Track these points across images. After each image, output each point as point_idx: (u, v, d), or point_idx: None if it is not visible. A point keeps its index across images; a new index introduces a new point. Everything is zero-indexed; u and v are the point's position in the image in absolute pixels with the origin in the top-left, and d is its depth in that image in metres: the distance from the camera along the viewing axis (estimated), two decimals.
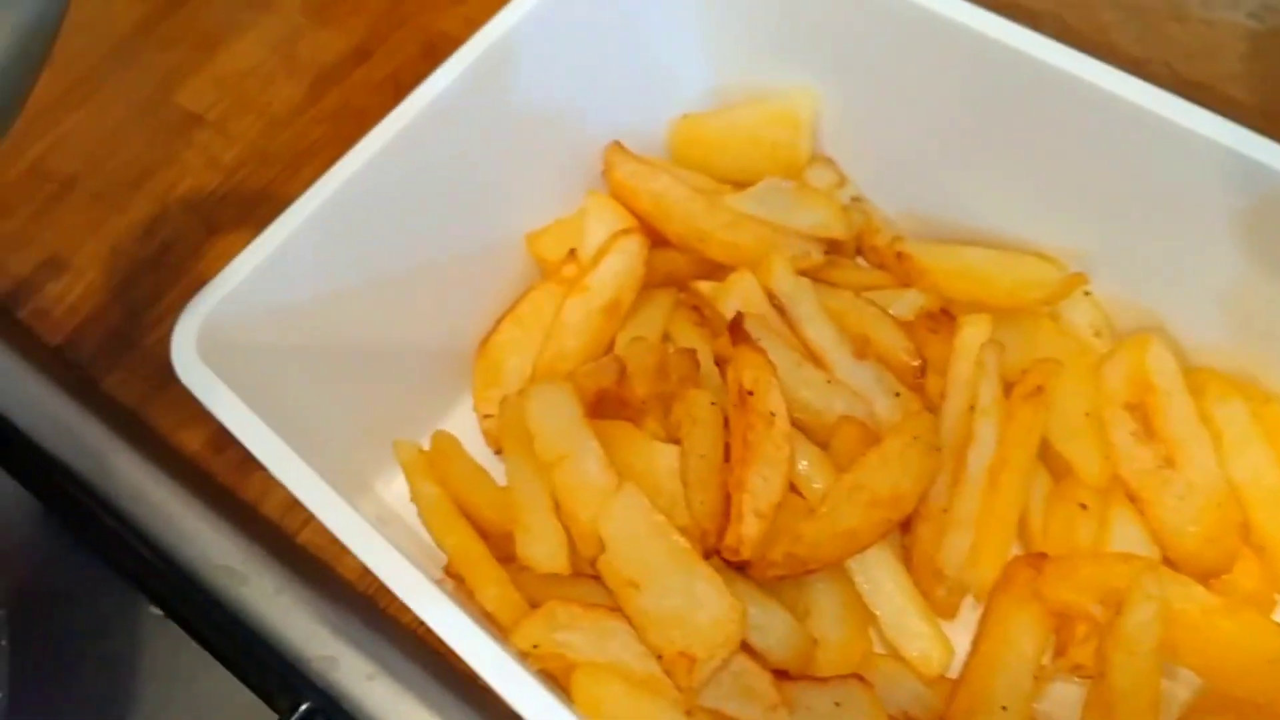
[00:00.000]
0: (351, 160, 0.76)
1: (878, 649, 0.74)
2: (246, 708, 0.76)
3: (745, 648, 0.70)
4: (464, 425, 0.85)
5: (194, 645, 0.79)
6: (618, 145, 0.87)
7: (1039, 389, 0.73)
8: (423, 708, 0.75)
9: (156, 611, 0.82)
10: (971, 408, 0.75)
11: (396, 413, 0.83)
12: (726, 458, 0.73)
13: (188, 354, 0.69)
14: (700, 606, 0.67)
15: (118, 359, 0.95)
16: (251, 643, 0.78)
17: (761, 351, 0.74)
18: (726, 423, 0.75)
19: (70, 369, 0.95)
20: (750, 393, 0.74)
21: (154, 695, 0.79)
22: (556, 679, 0.69)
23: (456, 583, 0.73)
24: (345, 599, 0.80)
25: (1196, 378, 0.75)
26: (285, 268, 0.74)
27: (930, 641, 0.71)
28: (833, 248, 0.86)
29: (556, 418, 0.73)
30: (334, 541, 0.64)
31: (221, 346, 0.71)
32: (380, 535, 0.64)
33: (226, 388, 0.68)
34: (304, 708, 0.75)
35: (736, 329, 0.76)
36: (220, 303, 0.72)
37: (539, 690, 0.59)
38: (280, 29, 1.15)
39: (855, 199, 0.90)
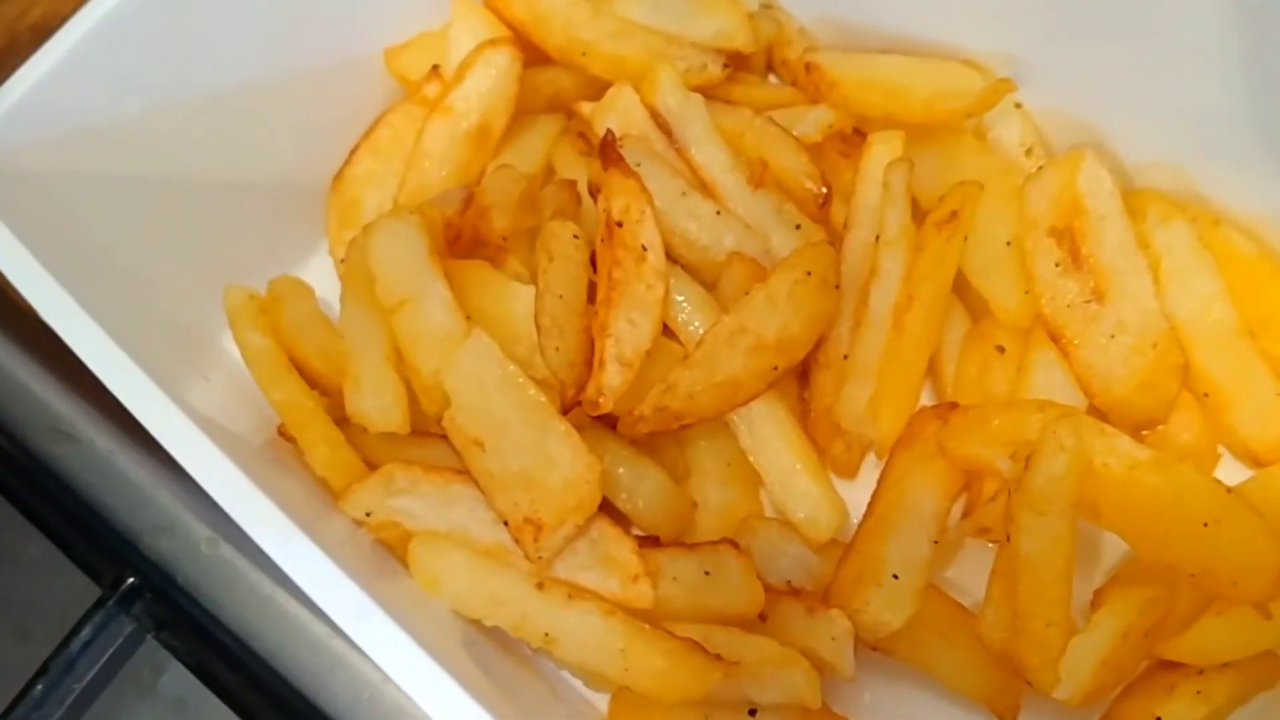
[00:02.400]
0: None
1: (770, 513, 0.66)
2: (71, 583, 0.69)
3: (611, 512, 0.63)
4: (327, 273, 0.76)
5: (15, 514, 0.71)
6: None
7: (953, 215, 0.63)
8: (268, 580, 0.68)
9: None
10: (877, 238, 0.65)
11: (248, 258, 0.74)
12: (592, 300, 0.64)
13: None
14: (553, 467, 0.59)
15: None
16: (80, 511, 0.70)
17: (634, 176, 0.64)
18: (594, 260, 0.65)
19: None
20: (619, 224, 0.64)
21: None
22: (394, 550, 0.62)
23: (292, 445, 0.65)
24: None
25: (1136, 199, 0.65)
26: (87, 77, 0.64)
27: (819, 503, 0.63)
28: (738, 62, 0.76)
29: (400, 256, 0.63)
30: None
31: (8, 176, 0.62)
32: (174, 406, 0.56)
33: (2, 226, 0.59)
34: (129, 582, 0.67)
35: (607, 150, 0.65)
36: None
37: (352, 593, 0.52)
38: None
39: (765, 5, 0.79)
